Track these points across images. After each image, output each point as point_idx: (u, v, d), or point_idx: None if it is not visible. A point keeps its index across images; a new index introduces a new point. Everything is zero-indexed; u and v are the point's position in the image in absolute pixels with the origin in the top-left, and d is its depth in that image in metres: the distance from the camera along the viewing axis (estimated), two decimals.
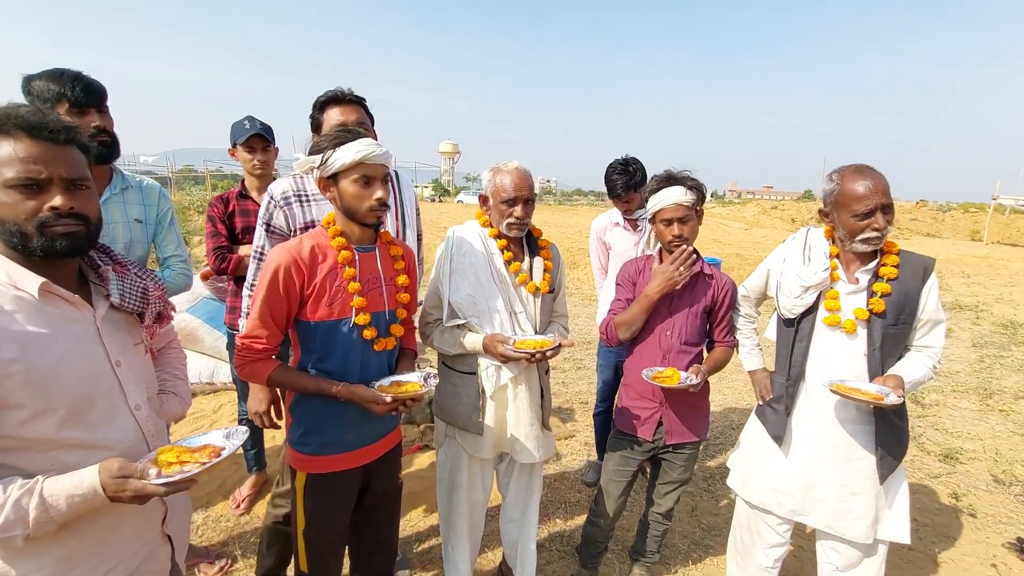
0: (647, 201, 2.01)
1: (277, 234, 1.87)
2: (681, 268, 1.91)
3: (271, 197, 1.88)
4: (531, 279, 1.93)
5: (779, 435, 1.88)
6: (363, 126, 1.84)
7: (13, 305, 0.99)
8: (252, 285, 1.91)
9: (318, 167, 1.47)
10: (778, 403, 1.90)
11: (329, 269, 1.50)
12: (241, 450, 2.68)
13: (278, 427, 1.76)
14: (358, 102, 1.89)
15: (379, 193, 1.48)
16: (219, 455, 1.10)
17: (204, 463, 1.06)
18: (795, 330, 1.83)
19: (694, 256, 1.95)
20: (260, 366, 1.50)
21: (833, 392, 1.62)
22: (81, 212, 1.03)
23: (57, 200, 1.00)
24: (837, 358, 1.76)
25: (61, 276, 1.07)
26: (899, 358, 1.76)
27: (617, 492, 2.22)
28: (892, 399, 1.57)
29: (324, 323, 1.50)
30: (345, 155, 1.43)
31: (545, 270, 1.96)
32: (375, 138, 1.78)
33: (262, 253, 1.89)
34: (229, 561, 2.38)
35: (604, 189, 2.88)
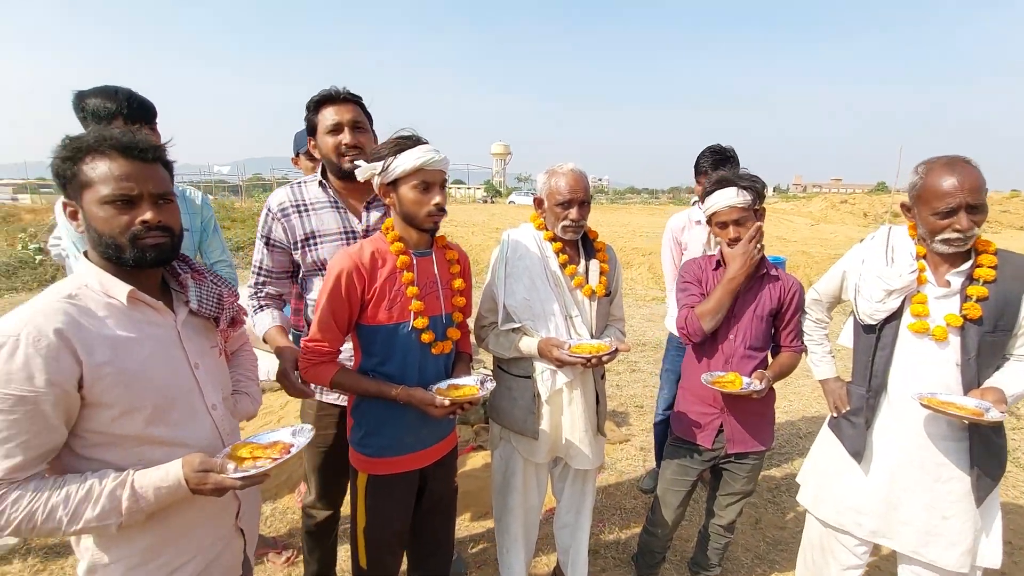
0: (703, 202, 1.95)
1: (278, 247, 1.82)
2: (759, 244, 1.86)
3: (268, 210, 1.81)
4: (587, 282, 1.89)
5: (858, 451, 1.74)
6: (360, 125, 1.76)
7: (105, 311, 1.07)
8: (255, 295, 1.88)
9: (378, 174, 1.49)
10: (856, 416, 1.76)
11: (389, 274, 1.52)
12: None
13: (309, 395, 1.74)
14: (354, 100, 1.79)
15: (437, 198, 1.50)
16: (289, 451, 1.15)
17: (276, 459, 1.12)
18: (876, 337, 1.70)
19: (761, 246, 1.88)
20: (323, 369, 1.55)
21: (924, 406, 1.49)
22: (167, 225, 1.10)
23: (147, 214, 1.07)
24: (925, 368, 1.62)
25: (146, 284, 1.14)
26: (996, 368, 1.59)
27: (675, 502, 2.14)
28: (994, 415, 1.41)
29: (384, 327, 1.53)
30: (405, 161, 1.45)
31: (601, 273, 1.92)
32: (375, 139, 1.80)
33: (261, 267, 1.86)
34: (295, 552, 2.49)
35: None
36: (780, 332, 2.00)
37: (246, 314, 1.41)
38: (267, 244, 1.82)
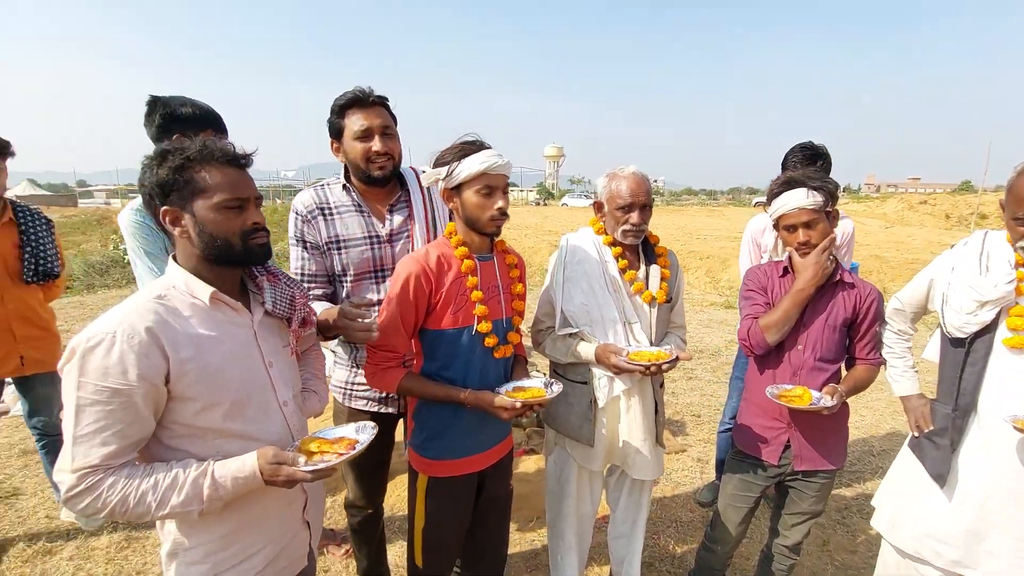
0: (768, 206, 1.86)
1: (315, 248, 1.78)
2: (832, 255, 1.77)
3: (296, 213, 1.78)
4: (647, 288, 1.86)
5: (941, 474, 1.61)
6: (389, 130, 1.72)
7: (190, 311, 1.14)
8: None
9: (443, 179, 1.52)
10: (940, 437, 1.63)
11: (454, 278, 1.55)
12: None
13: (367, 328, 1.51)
14: (381, 103, 1.73)
15: (500, 202, 1.52)
16: (354, 447, 1.19)
17: (342, 454, 1.16)
18: (965, 352, 1.56)
19: (834, 258, 1.78)
20: (391, 374, 1.58)
21: (1019, 430, 1.36)
22: (265, 225, 1.20)
23: (257, 216, 1.18)
24: (1022, 387, 1.48)
25: (227, 285, 1.20)
26: None
27: (737, 518, 2.05)
28: None
29: (448, 331, 1.56)
30: (469, 166, 1.48)
31: (662, 279, 1.88)
32: (399, 142, 1.77)
33: (303, 272, 1.80)
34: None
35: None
36: (855, 344, 1.87)
37: (315, 314, 1.45)
38: (304, 247, 1.78)
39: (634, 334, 1.84)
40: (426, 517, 1.66)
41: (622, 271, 1.84)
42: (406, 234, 1.82)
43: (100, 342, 1.01)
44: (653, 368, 1.66)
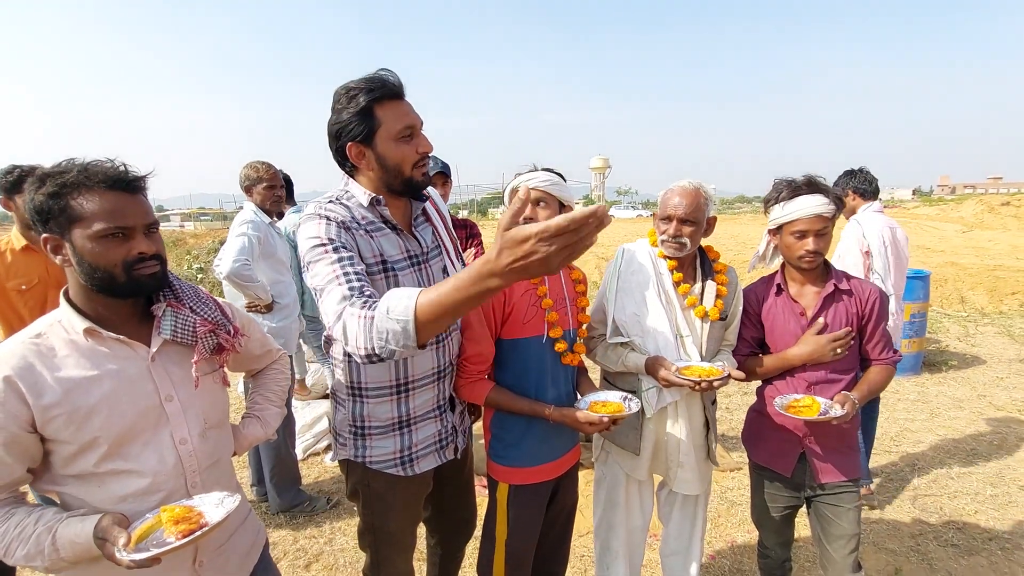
0: (770, 209, 1.85)
1: (351, 250, 1.39)
2: (839, 350, 1.76)
3: (328, 219, 1.37)
4: (700, 303, 1.85)
5: None
6: (419, 126, 1.45)
7: (67, 349, 1.06)
8: (357, 297, 1.32)
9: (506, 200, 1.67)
10: None
11: (525, 289, 1.65)
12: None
13: None
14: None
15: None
16: (193, 533, 0.98)
17: (172, 544, 0.96)
18: None
19: (852, 335, 1.79)
20: (480, 386, 1.64)
21: None
22: (157, 253, 1.11)
23: (143, 246, 1.08)
24: None
25: (121, 316, 1.13)
26: None
27: (773, 526, 2.01)
28: None
29: (521, 340, 1.65)
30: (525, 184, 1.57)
31: (718, 295, 1.86)
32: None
33: (347, 273, 1.33)
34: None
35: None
36: (865, 346, 1.84)
37: (238, 339, 1.29)
38: (345, 249, 1.33)
39: (685, 348, 1.83)
40: (509, 527, 1.70)
41: (676, 284, 1.85)
42: (438, 250, 1.63)
43: None
44: (704, 384, 1.64)
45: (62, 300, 1.11)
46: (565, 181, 1.70)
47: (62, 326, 1.09)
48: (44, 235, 1.06)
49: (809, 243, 1.74)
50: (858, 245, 2.94)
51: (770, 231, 1.88)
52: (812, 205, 1.72)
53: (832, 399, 1.72)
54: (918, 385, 4.99)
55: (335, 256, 1.28)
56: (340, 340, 1.17)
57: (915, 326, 5.13)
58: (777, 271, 1.94)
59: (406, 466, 1.55)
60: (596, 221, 0.80)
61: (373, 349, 1.08)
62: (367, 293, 1.21)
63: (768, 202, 1.87)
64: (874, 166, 3.12)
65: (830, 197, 1.74)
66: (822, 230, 1.73)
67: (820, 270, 1.85)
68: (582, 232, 0.82)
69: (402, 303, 1.03)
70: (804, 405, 1.68)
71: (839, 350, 1.76)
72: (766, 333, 1.92)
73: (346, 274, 1.25)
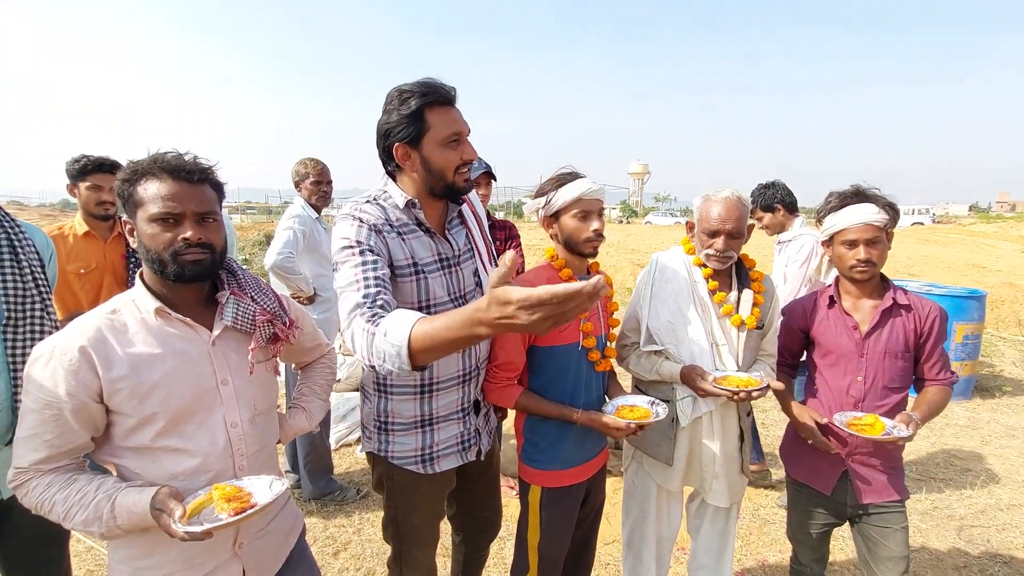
0: (822, 220, 1.80)
1: (378, 255, 1.40)
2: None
3: (361, 220, 1.41)
4: (736, 311, 1.82)
5: None
6: (466, 133, 1.47)
7: (138, 326, 1.13)
8: (369, 307, 1.35)
9: (542, 207, 1.67)
10: None
11: None
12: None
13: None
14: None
15: (596, 224, 1.62)
16: (244, 512, 1.02)
17: (228, 520, 1.01)
18: None
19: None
20: (509, 391, 1.66)
21: None
22: (208, 242, 1.14)
23: (188, 232, 1.11)
24: None
25: (187, 300, 1.18)
26: None
27: (809, 542, 1.94)
28: None
29: (556, 347, 1.67)
30: (566, 194, 1.61)
31: (754, 304, 1.83)
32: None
33: (369, 277, 1.33)
34: None
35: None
36: (922, 365, 1.77)
37: (291, 331, 1.33)
38: (371, 253, 1.36)
39: (721, 357, 1.81)
40: (542, 530, 1.72)
41: (712, 292, 1.82)
42: (470, 253, 1.64)
43: (40, 356, 1.05)
44: (742, 394, 1.62)
45: (138, 281, 1.18)
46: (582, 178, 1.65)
47: (135, 305, 1.15)
48: (124, 218, 1.15)
49: (860, 252, 1.69)
50: (807, 263, 3.04)
51: (823, 243, 1.84)
52: (861, 214, 1.69)
53: (895, 419, 1.63)
54: (969, 410, 4.74)
55: (359, 259, 1.33)
56: (349, 345, 1.23)
57: (968, 348, 4.90)
58: (827, 287, 1.89)
59: (426, 464, 1.57)
60: (584, 298, 0.77)
61: (372, 363, 1.15)
62: (380, 303, 1.25)
63: (820, 213, 1.84)
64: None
65: (880, 205, 1.69)
66: (873, 239, 1.68)
67: (876, 283, 1.79)
68: (567, 306, 0.78)
69: (399, 328, 1.06)
70: (867, 424, 1.61)
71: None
72: (816, 348, 1.87)
73: (365, 279, 1.29)
